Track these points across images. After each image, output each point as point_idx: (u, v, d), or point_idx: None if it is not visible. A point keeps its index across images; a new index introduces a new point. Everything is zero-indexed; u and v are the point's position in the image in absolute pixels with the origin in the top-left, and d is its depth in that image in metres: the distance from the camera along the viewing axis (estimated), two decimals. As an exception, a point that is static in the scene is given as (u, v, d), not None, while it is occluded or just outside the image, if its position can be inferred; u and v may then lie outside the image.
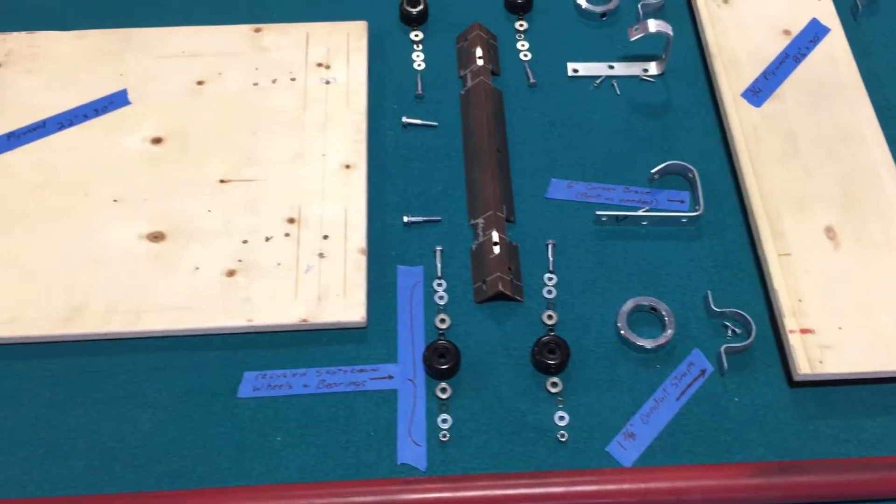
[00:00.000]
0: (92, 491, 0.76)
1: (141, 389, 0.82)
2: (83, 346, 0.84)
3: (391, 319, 0.86)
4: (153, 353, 0.84)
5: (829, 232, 0.88)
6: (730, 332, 0.84)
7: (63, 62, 1.01)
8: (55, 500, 0.74)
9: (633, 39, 0.98)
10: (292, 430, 0.80)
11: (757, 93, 0.97)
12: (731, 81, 0.98)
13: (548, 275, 0.88)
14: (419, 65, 1.04)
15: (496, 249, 0.87)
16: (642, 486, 0.71)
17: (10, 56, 1.01)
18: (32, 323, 0.84)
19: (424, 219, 0.92)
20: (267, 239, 0.89)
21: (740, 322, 0.84)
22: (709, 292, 0.85)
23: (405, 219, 0.92)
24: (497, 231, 0.88)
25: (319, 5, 1.08)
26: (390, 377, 0.83)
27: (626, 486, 0.71)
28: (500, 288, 0.85)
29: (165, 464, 0.78)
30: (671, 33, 0.98)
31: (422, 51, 1.05)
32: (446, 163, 0.96)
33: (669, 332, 0.83)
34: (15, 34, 1.03)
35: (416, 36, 1.07)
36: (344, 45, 1.03)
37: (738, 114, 0.95)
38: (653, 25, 0.98)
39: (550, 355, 0.82)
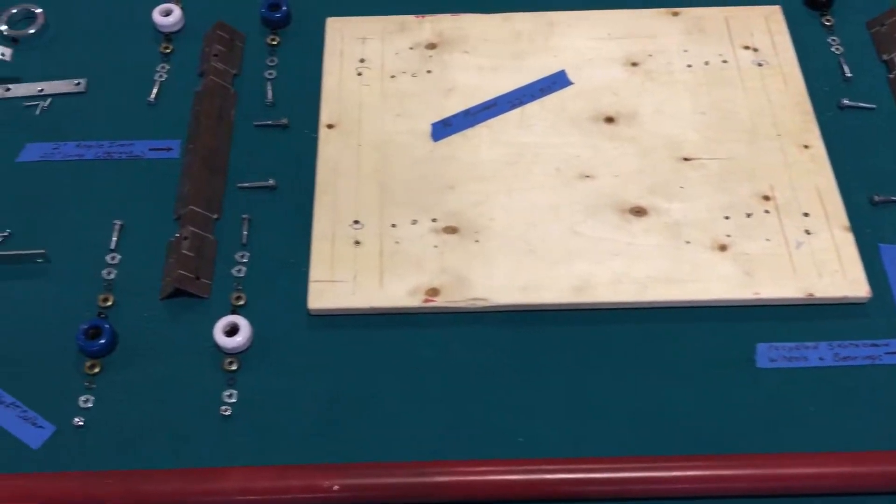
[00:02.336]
0: (637, 453, 0.78)
1: (656, 357, 0.84)
2: (589, 314, 0.86)
3: (884, 295, 0.87)
4: (658, 323, 0.86)
5: None
6: None
7: (495, 44, 1.04)
8: (597, 461, 0.77)
9: None
10: (821, 401, 0.81)
11: None
12: None
13: None
14: (836, 49, 1.05)
15: None
16: None
17: (441, 37, 1.05)
18: (546, 292, 0.86)
19: (893, 198, 0.93)
20: (748, 215, 0.90)
21: None
22: None
23: (875, 198, 0.92)
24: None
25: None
26: (904, 352, 0.83)
27: None
28: None
29: (694, 429, 0.79)
30: None
31: (835, 35, 1.06)
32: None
33: None
34: (441, 16, 1.06)
35: (828, 21, 1.07)
36: (764, 29, 1.04)
37: None
38: None
39: None
